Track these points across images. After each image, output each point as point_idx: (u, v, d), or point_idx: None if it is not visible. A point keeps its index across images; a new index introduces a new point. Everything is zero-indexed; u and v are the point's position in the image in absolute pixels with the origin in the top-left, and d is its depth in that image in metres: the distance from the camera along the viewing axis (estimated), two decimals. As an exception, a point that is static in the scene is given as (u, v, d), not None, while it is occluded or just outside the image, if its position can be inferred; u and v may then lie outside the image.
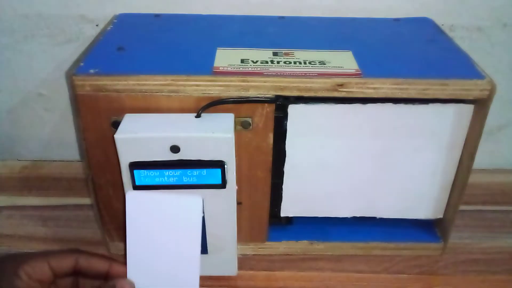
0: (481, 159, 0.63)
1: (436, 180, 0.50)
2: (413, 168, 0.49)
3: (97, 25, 0.61)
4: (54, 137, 0.70)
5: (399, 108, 0.45)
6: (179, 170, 0.42)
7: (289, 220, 0.55)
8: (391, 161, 0.49)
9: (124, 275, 0.42)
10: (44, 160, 0.70)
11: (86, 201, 0.61)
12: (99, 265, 0.41)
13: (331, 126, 0.46)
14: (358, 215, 0.53)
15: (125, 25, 0.54)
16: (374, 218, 0.54)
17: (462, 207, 0.51)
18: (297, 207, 0.52)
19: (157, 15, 0.57)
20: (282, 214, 0.53)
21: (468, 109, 0.46)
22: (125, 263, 0.42)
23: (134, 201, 0.42)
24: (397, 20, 0.58)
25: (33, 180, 0.66)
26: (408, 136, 0.47)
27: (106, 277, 0.42)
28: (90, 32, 0.61)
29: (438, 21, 0.58)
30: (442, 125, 0.47)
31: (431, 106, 0.45)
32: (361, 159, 0.49)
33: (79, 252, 0.41)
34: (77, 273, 0.41)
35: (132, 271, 0.42)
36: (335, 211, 0.53)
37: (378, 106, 0.45)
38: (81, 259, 0.40)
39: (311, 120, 0.46)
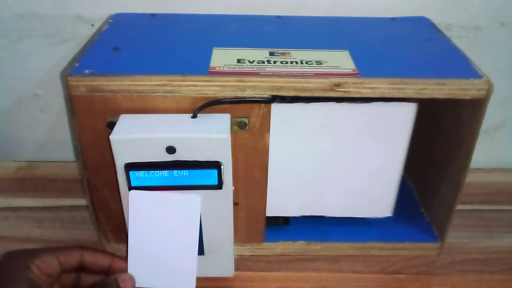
0: (479, 158, 0.62)
1: (382, 179, 0.50)
2: (359, 167, 0.49)
3: (92, 25, 0.60)
4: (50, 137, 0.69)
5: (342, 107, 0.45)
6: (175, 171, 0.41)
7: (286, 220, 0.55)
8: (338, 160, 0.49)
9: (125, 270, 0.43)
10: (40, 161, 0.69)
11: (82, 202, 0.61)
12: (103, 260, 0.43)
13: (282, 125, 0.46)
14: (306, 214, 0.53)
15: (120, 25, 0.54)
16: (370, 218, 0.53)
17: (460, 207, 0.51)
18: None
19: (153, 15, 0.56)
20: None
21: (411, 108, 0.45)
22: (126, 259, 0.43)
23: (137, 199, 0.42)
24: (394, 19, 0.58)
25: (29, 181, 0.65)
26: (352, 135, 0.47)
27: (107, 272, 0.43)
28: (86, 32, 0.61)
29: (435, 20, 0.58)
30: (385, 124, 0.47)
31: (373, 105, 0.45)
32: (309, 159, 0.49)
33: (84, 247, 0.42)
34: (81, 268, 0.42)
35: (133, 267, 0.43)
36: (286, 211, 0.53)
37: (321, 105, 0.45)
38: (86, 254, 0.42)
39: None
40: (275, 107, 0.44)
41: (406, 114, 0.46)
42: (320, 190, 0.51)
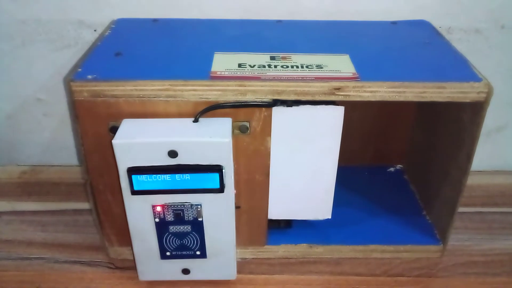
0: (480, 161, 0.63)
1: (318, 181, 0.50)
2: (297, 169, 0.49)
3: (95, 30, 0.61)
4: (53, 142, 0.70)
5: (274, 110, 0.45)
6: (177, 175, 0.42)
7: (288, 223, 0.55)
8: (278, 163, 0.48)
9: None
10: (43, 165, 0.70)
11: (85, 206, 0.61)
12: None
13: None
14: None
15: (123, 30, 0.54)
16: (372, 221, 0.54)
17: (461, 209, 0.51)
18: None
19: (155, 20, 0.57)
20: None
21: (339, 110, 0.45)
22: None
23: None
24: (394, 23, 0.58)
25: (32, 185, 0.66)
26: (287, 138, 0.47)
27: None
28: (89, 37, 0.61)
29: (436, 23, 0.58)
30: (316, 127, 0.46)
31: (302, 108, 0.45)
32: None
33: None
34: None
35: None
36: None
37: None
38: None
39: None
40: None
41: (335, 117, 0.45)
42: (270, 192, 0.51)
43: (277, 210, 0.51)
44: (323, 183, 0.50)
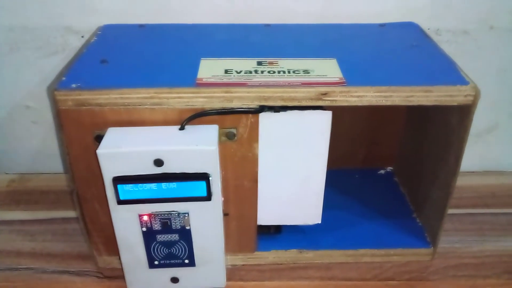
0: (471, 162, 0.63)
1: (308, 186, 0.49)
2: (286, 175, 0.49)
3: (82, 37, 0.60)
4: (42, 149, 0.69)
5: (262, 116, 0.44)
6: (163, 183, 0.41)
7: (278, 229, 0.55)
8: (268, 168, 0.48)
9: None
10: (32, 173, 0.69)
11: (74, 214, 0.61)
12: None
13: None
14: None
15: (109, 36, 0.54)
16: (362, 225, 0.53)
17: (452, 211, 0.51)
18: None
19: (141, 26, 0.56)
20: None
21: (326, 115, 0.45)
22: None
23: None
24: (382, 25, 0.58)
25: (21, 193, 0.65)
26: (275, 143, 0.46)
27: None
28: (76, 44, 0.61)
29: (424, 25, 0.58)
30: (303, 132, 0.46)
31: (290, 114, 0.44)
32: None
33: None
34: None
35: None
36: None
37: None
38: None
39: None
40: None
41: (322, 121, 0.45)
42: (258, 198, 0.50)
43: (266, 216, 0.51)
44: (313, 188, 0.50)
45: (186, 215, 0.44)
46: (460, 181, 0.48)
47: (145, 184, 0.41)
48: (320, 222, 0.52)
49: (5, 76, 0.63)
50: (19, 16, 0.59)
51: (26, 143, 0.69)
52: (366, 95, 0.43)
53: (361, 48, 0.52)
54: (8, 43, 0.61)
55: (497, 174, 0.69)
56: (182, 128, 0.43)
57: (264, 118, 0.44)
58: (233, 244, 0.51)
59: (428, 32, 0.56)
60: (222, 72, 0.45)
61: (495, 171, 0.70)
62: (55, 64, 0.62)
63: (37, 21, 0.59)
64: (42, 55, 0.62)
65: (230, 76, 0.45)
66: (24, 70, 0.63)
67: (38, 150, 0.69)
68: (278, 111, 0.44)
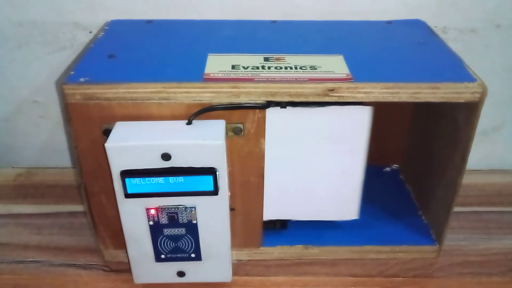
0: (477, 160, 0.63)
1: (345, 182, 0.50)
2: (322, 171, 0.49)
3: (90, 32, 0.61)
4: (49, 144, 0.70)
5: (297, 111, 0.45)
6: (170, 177, 0.42)
7: (284, 224, 0.55)
8: (300, 165, 0.49)
9: None
10: (39, 167, 0.70)
11: (81, 208, 0.61)
12: None
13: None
14: (273, 218, 0.53)
15: (116, 32, 0.54)
16: (368, 222, 0.53)
17: (458, 209, 0.51)
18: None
19: (149, 21, 0.57)
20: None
21: (366, 111, 0.45)
22: None
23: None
24: (389, 22, 0.58)
25: (28, 187, 0.66)
26: (313, 139, 0.47)
27: None
28: (84, 39, 0.61)
29: (431, 23, 0.58)
30: (342, 127, 0.46)
31: (329, 109, 0.45)
32: (273, 163, 0.48)
33: None
34: None
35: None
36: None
37: (280, 110, 0.45)
38: None
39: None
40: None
41: (362, 117, 0.46)
42: (289, 194, 0.51)
43: (302, 211, 0.52)
44: (350, 183, 0.50)
45: (193, 209, 0.44)
46: (466, 180, 0.48)
47: (152, 178, 0.42)
48: (357, 217, 0.52)
49: (13, 71, 0.63)
50: (28, 12, 0.59)
51: (34, 138, 0.69)
52: (373, 92, 0.43)
53: (368, 45, 0.52)
54: (17, 38, 0.61)
55: (503, 173, 0.69)
56: (189, 123, 0.43)
57: (303, 113, 0.45)
58: (239, 239, 0.52)
59: (435, 30, 0.56)
60: (229, 68, 0.46)
61: (501, 169, 0.70)
62: (63, 59, 0.62)
63: (45, 16, 0.60)
64: (51, 50, 0.62)
65: (237, 71, 0.45)
66: (32, 65, 0.63)
67: (45, 144, 0.70)
68: (318, 106, 0.44)
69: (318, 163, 0.49)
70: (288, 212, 0.53)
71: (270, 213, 0.52)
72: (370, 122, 0.47)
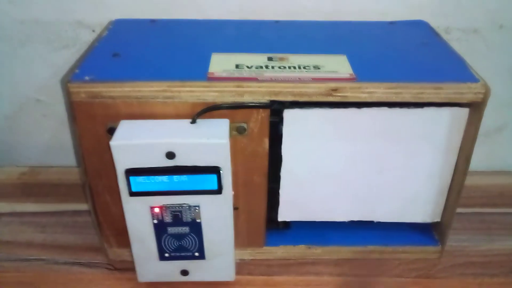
0: (479, 161, 0.63)
1: (432, 184, 0.50)
2: (410, 172, 0.49)
3: (93, 31, 0.61)
4: (52, 142, 0.70)
5: (394, 112, 0.45)
6: (174, 176, 0.42)
7: (287, 224, 0.55)
8: (388, 165, 0.49)
9: None
10: (42, 166, 0.70)
11: (85, 207, 0.61)
12: None
13: (326, 130, 0.46)
14: (355, 219, 0.53)
15: (120, 31, 0.54)
16: (371, 221, 0.53)
17: (460, 210, 0.51)
18: (294, 211, 0.52)
19: (152, 21, 0.57)
20: (280, 219, 0.53)
21: (463, 112, 0.46)
22: None
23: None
24: (392, 23, 0.58)
25: (32, 186, 0.66)
26: (404, 140, 0.47)
27: None
28: (87, 38, 0.61)
29: (434, 23, 0.58)
30: (438, 128, 0.47)
31: (426, 110, 0.45)
32: (357, 163, 0.49)
33: None
34: None
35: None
36: (332, 216, 0.53)
37: (373, 110, 0.45)
38: None
39: (306, 125, 0.46)
40: (298, 113, 0.45)
41: (459, 118, 0.46)
42: (369, 195, 0.51)
43: (382, 212, 0.52)
44: (438, 186, 0.50)
45: (197, 208, 0.44)
46: (469, 181, 0.48)
47: (157, 177, 0.42)
48: (440, 220, 0.53)
49: (16, 69, 0.64)
50: (31, 10, 0.59)
51: (37, 137, 0.69)
52: (377, 91, 0.43)
53: (371, 45, 0.52)
54: (20, 37, 0.61)
55: (505, 174, 0.69)
56: (193, 122, 0.43)
57: (396, 114, 0.45)
58: (242, 238, 0.52)
59: (438, 30, 0.56)
60: (233, 67, 0.46)
61: (504, 170, 0.70)
62: (66, 58, 0.63)
63: (48, 14, 0.60)
64: (53, 49, 0.62)
65: (241, 70, 0.45)
66: (35, 63, 0.63)
67: (48, 143, 0.70)
68: (410, 107, 0.45)
69: (406, 164, 0.49)
70: (371, 214, 0.53)
71: (355, 214, 0.53)
72: (465, 124, 0.47)
